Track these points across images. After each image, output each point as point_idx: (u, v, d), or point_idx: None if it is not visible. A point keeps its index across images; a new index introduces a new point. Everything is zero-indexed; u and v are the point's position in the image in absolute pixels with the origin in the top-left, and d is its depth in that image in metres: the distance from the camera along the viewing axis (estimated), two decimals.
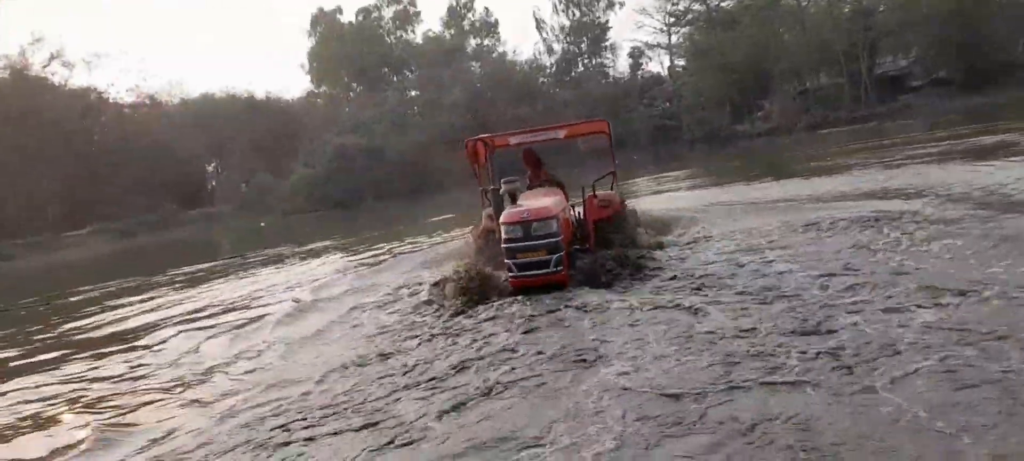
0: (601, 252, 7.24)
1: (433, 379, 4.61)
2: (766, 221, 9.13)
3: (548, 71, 58.64)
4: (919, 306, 4.51)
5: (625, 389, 3.86)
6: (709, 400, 3.56)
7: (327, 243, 20.24)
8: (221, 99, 59.72)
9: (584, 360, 4.48)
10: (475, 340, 5.36)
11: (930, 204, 8.31)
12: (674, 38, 57.28)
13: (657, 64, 61.70)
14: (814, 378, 3.65)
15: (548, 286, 6.54)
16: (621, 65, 61.17)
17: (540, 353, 4.74)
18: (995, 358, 3.55)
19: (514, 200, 7.27)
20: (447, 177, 47.33)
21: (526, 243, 6.57)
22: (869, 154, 19.64)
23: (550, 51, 60.37)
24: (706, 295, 5.64)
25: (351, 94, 63.05)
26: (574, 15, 59.41)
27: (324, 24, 61.60)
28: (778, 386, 3.62)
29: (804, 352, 4.02)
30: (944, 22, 42.23)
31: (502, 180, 7.52)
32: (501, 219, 6.86)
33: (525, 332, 5.34)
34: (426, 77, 57.85)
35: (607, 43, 59.90)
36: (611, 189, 8.35)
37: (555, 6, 60.07)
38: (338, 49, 59.63)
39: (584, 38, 59.19)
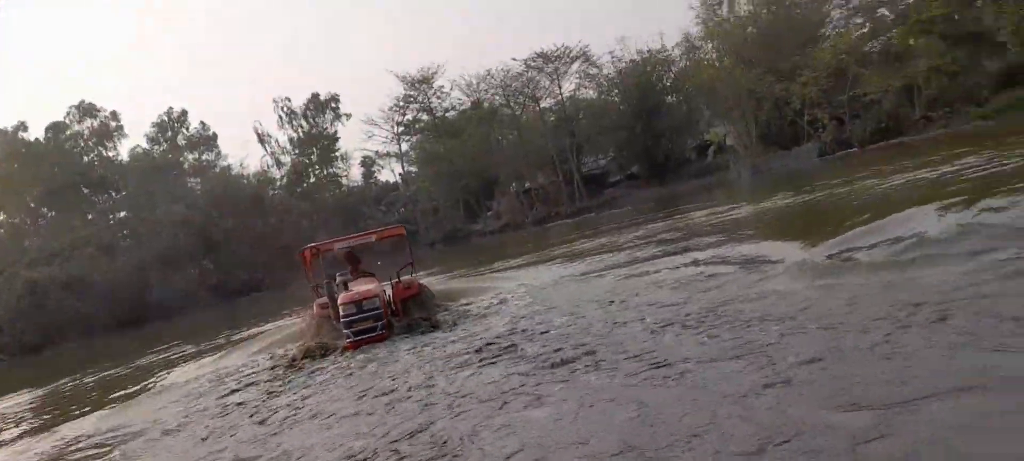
0: (407, 318, 10.69)
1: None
2: (508, 285, 13.33)
3: (279, 183, 57.64)
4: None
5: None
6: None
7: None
8: None
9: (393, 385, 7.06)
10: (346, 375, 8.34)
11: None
12: (404, 146, 60.52)
13: (389, 172, 64.30)
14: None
15: (375, 342, 9.64)
16: (354, 174, 62.67)
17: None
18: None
19: (346, 287, 10.54)
20: (175, 301, 43.55)
21: (359, 315, 9.70)
22: (586, 239, 23.38)
23: (279, 163, 59.72)
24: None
25: (41, 221, 55.03)
26: (301, 128, 59.78)
27: (3, 143, 53.63)
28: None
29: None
30: (628, 127, 50.90)
31: (337, 274, 11.06)
32: (340, 300, 9.95)
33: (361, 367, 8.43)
34: (136, 196, 53.10)
35: (338, 153, 61.06)
36: (411, 276, 11.91)
37: (280, 119, 59.96)
38: (22, 171, 52.14)
39: (314, 149, 59.64)
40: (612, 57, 54.10)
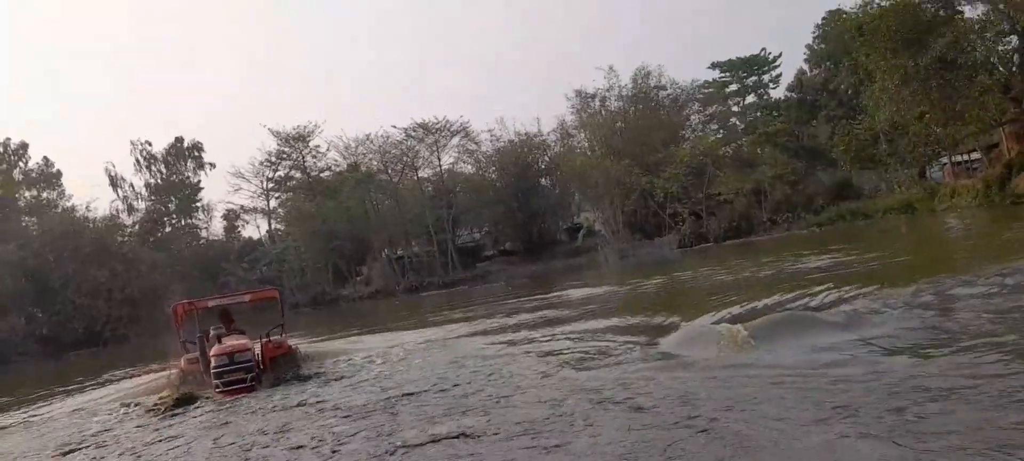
0: (274, 374, 11.07)
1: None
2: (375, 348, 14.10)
3: (129, 230, 53.58)
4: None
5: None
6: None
7: None
8: None
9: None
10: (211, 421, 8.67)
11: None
12: (273, 202, 58.66)
13: (254, 227, 61.79)
14: None
15: (243, 393, 10.01)
16: (216, 227, 59.67)
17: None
18: None
19: (219, 341, 10.99)
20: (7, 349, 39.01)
21: (231, 367, 10.20)
22: (458, 311, 24.00)
23: (131, 209, 55.80)
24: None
25: None
26: (160, 173, 56.52)
27: None
28: None
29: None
30: (505, 203, 52.58)
31: (211, 329, 11.62)
32: (212, 352, 10.40)
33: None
34: None
35: (199, 203, 58.07)
36: (281, 336, 12.17)
37: (137, 162, 56.45)
38: None
39: (173, 197, 56.40)
40: (491, 135, 56.14)
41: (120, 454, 7.55)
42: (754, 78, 53.66)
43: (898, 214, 35.51)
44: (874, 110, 35.12)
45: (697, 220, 45.06)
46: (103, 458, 7.53)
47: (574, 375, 8.31)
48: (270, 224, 59.96)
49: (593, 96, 49.44)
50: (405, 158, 54.65)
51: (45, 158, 56.41)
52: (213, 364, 10.24)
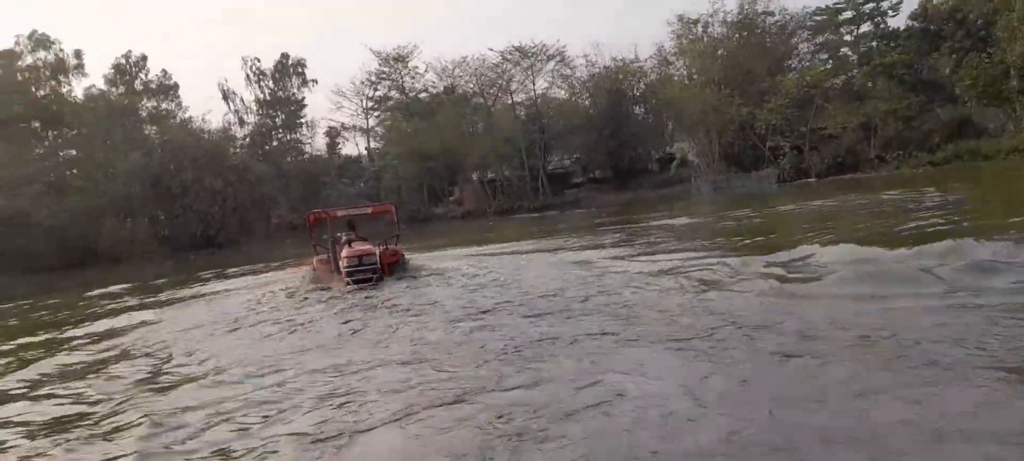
0: (389, 277, 12.54)
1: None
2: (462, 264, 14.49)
3: (241, 142, 56.71)
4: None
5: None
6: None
7: None
8: None
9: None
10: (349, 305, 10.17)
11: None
12: (372, 121, 60.45)
13: (353, 145, 64.05)
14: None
15: (368, 287, 11.64)
16: (319, 143, 62.20)
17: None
18: None
19: (349, 246, 12.55)
20: (124, 248, 42.70)
21: (360, 267, 12.01)
22: (553, 233, 24.30)
23: (242, 122, 58.78)
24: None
25: None
26: (268, 88, 58.97)
27: None
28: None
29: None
30: (597, 130, 52.12)
31: (343, 235, 13.20)
32: (345, 254, 12.21)
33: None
34: (90, 138, 51.49)
35: (304, 119, 60.48)
36: (397, 243, 13.98)
37: (247, 78, 59.01)
38: None
39: (280, 112, 58.92)
40: (586, 61, 55.35)
41: (275, 323, 9.28)
42: (871, 4, 49.98)
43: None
44: (1008, 42, 32.38)
45: (798, 154, 43.42)
46: (262, 324, 9.28)
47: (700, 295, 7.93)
48: (368, 142, 62.03)
49: (696, 21, 47.69)
50: (500, 81, 54.86)
51: (163, 70, 59.81)
52: (345, 264, 12.01)
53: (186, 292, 15.95)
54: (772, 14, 47.24)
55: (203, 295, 14.80)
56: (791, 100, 42.03)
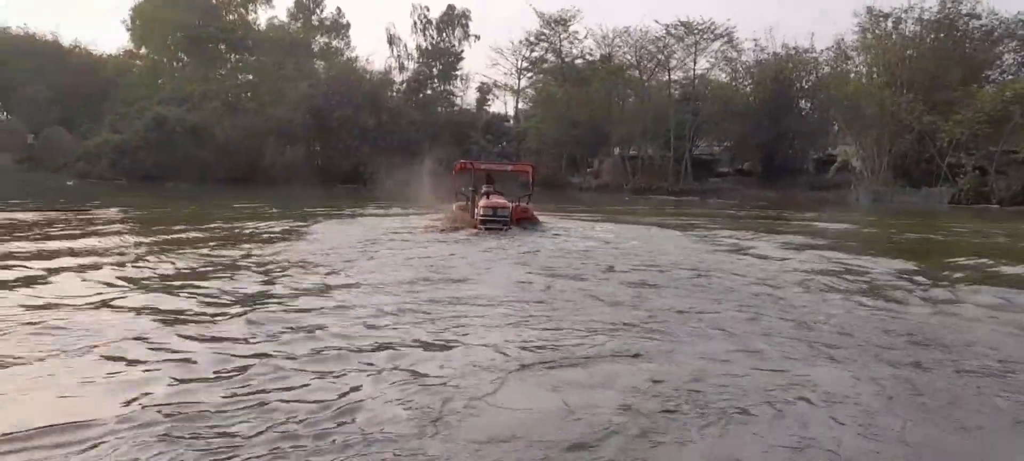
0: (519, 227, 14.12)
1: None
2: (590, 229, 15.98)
3: (398, 87, 58.89)
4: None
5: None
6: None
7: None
8: (18, 37, 52.64)
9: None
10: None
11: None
12: (524, 82, 60.66)
13: (502, 104, 64.74)
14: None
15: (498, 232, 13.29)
16: (469, 97, 63.34)
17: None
18: None
19: (487, 197, 14.30)
20: (282, 172, 45.77)
21: (494, 218, 13.59)
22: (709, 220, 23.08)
23: (402, 68, 60.87)
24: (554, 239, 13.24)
25: (176, 63, 58.37)
26: (431, 38, 60.55)
27: None
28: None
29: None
30: (754, 119, 49.22)
31: (483, 187, 15.06)
32: (483, 203, 13.89)
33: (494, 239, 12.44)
34: (267, 64, 55.43)
35: (459, 72, 61.67)
36: (529, 202, 15.86)
37: (414, 25, 60.87)
38: (169, 12, 55.07)
39: (438, 62, 60.43)
40: (755, 45, 52.32)
41: (416, 245, 11.52)
42: None
43: None
44: None
45: (982, 176, 38.77)
46: (401, 250, 10.86)
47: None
48: (517, 103, 62.41)
49: (887, 15, 43.33)
50: (659, 56, 53.08)
51: (338, 8, 63.15)
52: (480, 212, 13.71)
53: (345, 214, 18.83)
54: (978, 17, 42.00)
55: (362, 218, 17.85)
56: (986, 114, 37.37)
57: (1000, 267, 10.46)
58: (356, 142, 50.97)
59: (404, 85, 59.04)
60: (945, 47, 42.27)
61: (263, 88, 52.55)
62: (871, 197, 41.17)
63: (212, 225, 14.73)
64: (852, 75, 46.38)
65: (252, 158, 46.28)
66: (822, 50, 49.94)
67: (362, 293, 6.93)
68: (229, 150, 45.82)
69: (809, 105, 52.75)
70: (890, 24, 43.56)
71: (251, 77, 56.94)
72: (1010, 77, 42.03)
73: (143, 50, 59.60)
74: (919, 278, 8.79)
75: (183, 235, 12.32)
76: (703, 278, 8.43)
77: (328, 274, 8.13)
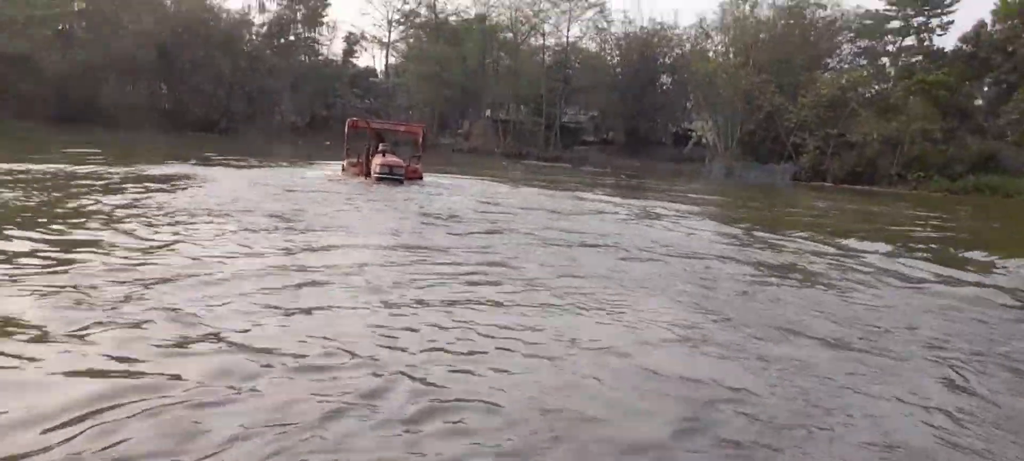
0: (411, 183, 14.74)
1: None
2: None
3: (257, 29, 54.64)
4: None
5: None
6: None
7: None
8: None
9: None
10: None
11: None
12: (395, 34, 58.47)
13: (370, 57, 62.11)
14: None
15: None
16: (335, 48, 60.14)
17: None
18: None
19: (384, 155, 14.77)
20: (123, 114, 41.26)
21: (390, 176, 14.15)
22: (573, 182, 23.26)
23: (263, 8, 56.45)
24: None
25: None
26: None
27: None
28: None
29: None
30: (620, 91, 50.68)
31: (379, 145, 15.50)
32: (379, 162, 14.38)
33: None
34: None
35: (325, 19, 58.24)
36: (419, 162, 16.27)
37: None
38: None
39: (302, 6, 56.68)
40: (625, 16, 53.64)
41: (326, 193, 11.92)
42: (921, 19, 48.49)
43: None
44: None
45: (820, 155, 42.33)
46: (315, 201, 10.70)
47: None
48: (387, 57, 60.13)
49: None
50: (534, 19, 53.01)
51: None
52: (377, 170, 14.24)
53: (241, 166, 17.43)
54: (824, 7, 45.49)
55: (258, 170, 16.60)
56: (826, 99, 40.69)
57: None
58: (210, 87, 46.94)
59: (264, 28, 54.87)
60: (793, 33, 45.45)
61: (99, 17, 46.75)
62: (723, 171, 43.73)
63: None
64: (711, 54, 48.80)
65: (88, 95, 41.22)
66: (685, 28, 52.20)
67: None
68: (60, 84, 40.49)
69: (669, 80, 55.01)
70: (747, 7, 46.17)
71: (85, 5, 50.46)
72: (846, 66, 46.05)
73: None
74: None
75: None
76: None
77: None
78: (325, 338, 3.69)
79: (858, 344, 4.53)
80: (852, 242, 10.57)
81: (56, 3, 48.79)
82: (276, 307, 4.22)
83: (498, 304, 4.81)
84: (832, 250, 9.49)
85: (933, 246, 11.34)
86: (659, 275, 6.40)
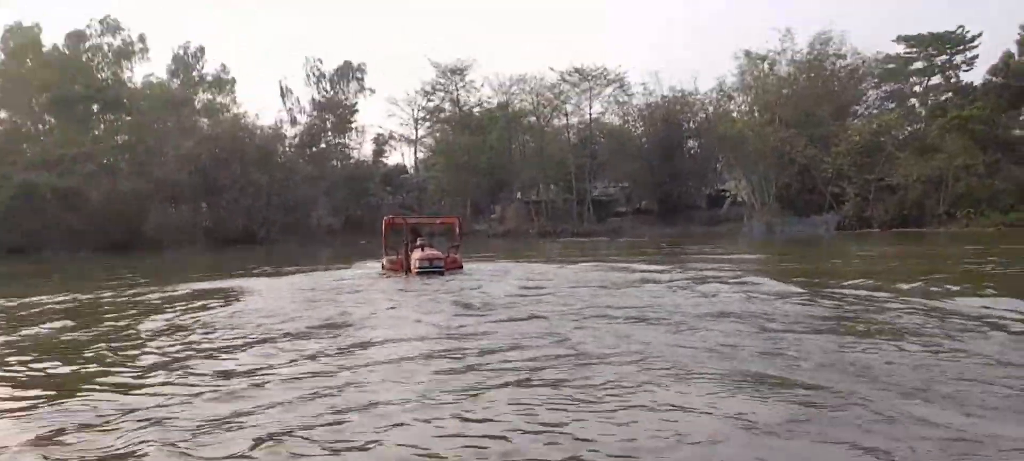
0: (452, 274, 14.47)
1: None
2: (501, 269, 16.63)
3: (290, 141, 56.38)
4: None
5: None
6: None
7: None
8: None
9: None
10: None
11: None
12: (422, 131, 59.80)
13: (399, 155, 63.43)
14: None
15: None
16: (366, 150, 61.64)
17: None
18: None
19: (422, 249, 14.65)
20: (167, 235, 42.35)
21: (430, 269, 14.00)
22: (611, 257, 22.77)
23: (294, 121, 58.49)
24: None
25: (41, 126, 53.25)
26: (325, 91, 58.76)
27: (17, 40, 51.88)
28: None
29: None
30: (647, 160, 50.66)
31: (417, 240, 15.14)
32: (418, 256, 14.24)
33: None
34: (145, 125, 51.62)
35: (354, 125, 59.94)
36: (458, 252, 15.99)
37: (307, 77, 58.93)
38: (34, 72, 50.38)
39: (332, 115, 58.53)
40: (644, 88, 54.11)
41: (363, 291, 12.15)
42: (944, 57, 48.06)
43: None
44: None
45: (862, 202, 41.32)
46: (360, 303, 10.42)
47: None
48: (415, 153, 61.37)
49: (763, 57, 46.01)
50: (556, 102, 53.84)
51: (222, 65, 60.13)
52: (417, 265, 14.07)
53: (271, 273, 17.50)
54: (843, 57, 45.37)
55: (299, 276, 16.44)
56: (859, 146, 40.02)
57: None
58: (248, 201, 48.11)
59: (296, 139, 56.61)
60: (816, 85, 45.23)
61: (142, 148, 48.77)
62: (764, 228, 42.86)
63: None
64: (735, 114, 48.75)
65: (132, 223, 42.47)
66: (705, 92, 52.45)
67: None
68: (106, 215, 41.85)
69: (696, 144, 54.95)
70: (767, 66, 46.27)
71: (129, 138, 52.74)
72: (874, 111, 45.50)
73: (2, 114, 53.98)
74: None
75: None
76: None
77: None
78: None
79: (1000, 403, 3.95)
80: (929, 286, 9.88)
81: (101, 138, 51.29)
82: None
83: (589, 401, 4.28)
84: (916, 301, 8.81)
85: None
86: (733, 346, 5.82)
